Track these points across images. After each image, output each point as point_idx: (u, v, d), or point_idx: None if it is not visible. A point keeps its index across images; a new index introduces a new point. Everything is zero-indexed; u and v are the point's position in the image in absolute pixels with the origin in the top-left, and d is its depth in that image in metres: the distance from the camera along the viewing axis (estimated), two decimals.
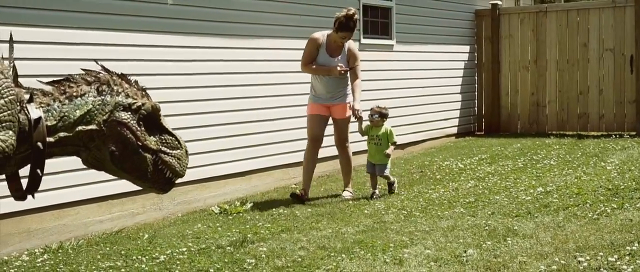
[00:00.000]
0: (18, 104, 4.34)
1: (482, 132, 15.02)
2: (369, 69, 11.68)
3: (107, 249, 6.62)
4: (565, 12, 14.41)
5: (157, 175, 4.86)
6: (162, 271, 5.77)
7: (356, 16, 8.48)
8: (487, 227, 6.67)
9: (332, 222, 7.48)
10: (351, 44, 8.72)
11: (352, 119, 8.70)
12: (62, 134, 4.52)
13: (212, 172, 8.95)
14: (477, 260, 5.60)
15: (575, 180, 8.95)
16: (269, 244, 6.54)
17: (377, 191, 8.67)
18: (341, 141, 8.92)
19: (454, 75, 14.37)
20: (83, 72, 4.79)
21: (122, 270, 5.82)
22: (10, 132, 4.17)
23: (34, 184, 4.58)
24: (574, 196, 7.93)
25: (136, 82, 5.00)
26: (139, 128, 4.80)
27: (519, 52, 14.76)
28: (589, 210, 7.17)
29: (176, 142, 5.02)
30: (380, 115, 8.67)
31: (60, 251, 6.65)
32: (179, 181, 8.05)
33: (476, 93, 15.08)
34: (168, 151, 4.92)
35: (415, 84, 12.97)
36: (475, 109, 15.08)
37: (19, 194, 4.63)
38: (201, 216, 8.20)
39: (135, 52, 7.97)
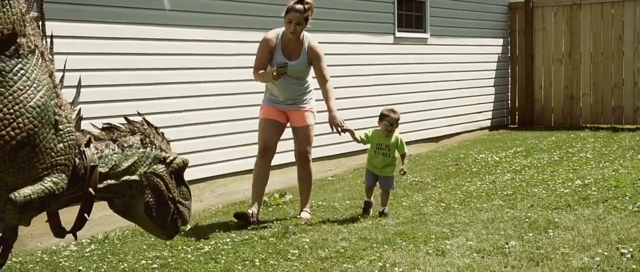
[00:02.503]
0: (77, 148, 4.47)
1: (516, 125, 15.02)
2: (403, 62, 11.75)
3: (152, 239, 6.72)
4: (600, 5, 14.36)
5: (171, 224, 5.12)
6: (208, 261, 5.86)
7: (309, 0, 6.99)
8: (527, 220, 6.71)
9: (371, 214, 7.54)
10: (312, 41, 7.26)
11: (340, 133, 7.32)
12: (110, 182, 4.71)
13: (251, 164, 9.02)
14: (520, 251, 5.65)
15: (613, 173, 8.95)
16: (311, 235, 6.61)
17: (372, 200, 7.48)
18: (302, 153, 7.47)
19: (488, 68, 14.39)
20: (126, 122, 4.99)
21: (169, 260, 5.92)
22: (64, 175, 4.31)
23: (80, 226, 4.76)
24: (613, 188, 7.94)
25: (163, 134, 5.22)
26: (170, 181, 5.03)
27: (552, 45, 14.74)
28: (628, 202, 7.19)
29: (188, 193, 5.26)
30: (394, 123, 7.36)
31: (106, 241, 6.78)
32: (219, 172, 8.22)
33: (509, 86, 15.09)
34: (183, 201, 5.19)
35: (449, 77, 13.00)
36: (509, 102, 15.09)
37: (58, 230, 4.80)
38: (241, 207, 8.28)
39: (164, 47, 8.09)
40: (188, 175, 7.99)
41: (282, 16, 6.99)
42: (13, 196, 4.07)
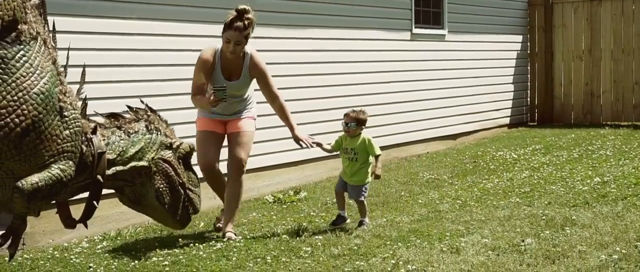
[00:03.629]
0: (84, 135, 4.42)
1: (535, 123, 14.87)
2: (421, 59, 11.65)
3: (164, 236, 6.68)
4: (620, 1, 14.18)
5: (183, 211, 5.09)
6: (220, 258, 5.80)
7: (250, 15, 6.17)
8: (544, 217, 6.60)
9: (386, 211, 7.47)
10: (254, 56, 6.42)
11: (311, 146, 6.75)
12: (119, 168, 4.66)
13: (266, 161, 8.99)
14: (536, 249, 5.54)
15: (633, 170, 8.81)
16: (324, 232, 6.54)
17: (345, 214, 6.75)
18: (236, 162, 6.44)
19: (507, 65, 14.25)
20: (130, 110, 4.93)
21: (180, 257, 5.86)
22: (71, 163, 4.25)
23: (89, 214, 4.70)
24: (632, 186, 7.82)
25: (166, 120, 5.16)
26: (179, 166, 4.97)
27: (572, 42, 14.57)
28: None
29: (197, 181, 5.20)
30: (357, 123, 6.61)
31: (118, 238, 6.73)
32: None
33: (529, 83, 14.94)
34: (193, 188, 5.13)
35: (467, 74, 12.88)
36: (528, 99, 14.93)
37: (68, 222, 4.74)
38: (255, 204, 8.24)
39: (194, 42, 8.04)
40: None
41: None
42: (20, 184, 4.02)
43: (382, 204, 7.81)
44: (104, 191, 6.78)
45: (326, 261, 5.62)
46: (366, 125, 6.70)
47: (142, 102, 5.01)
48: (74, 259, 5.95)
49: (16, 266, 5.78)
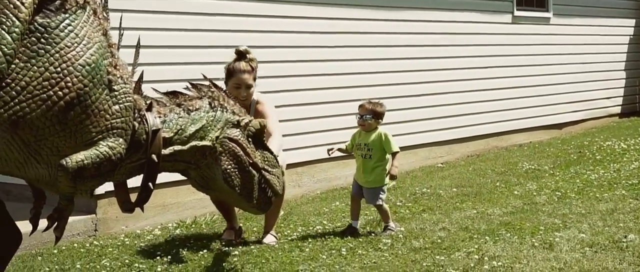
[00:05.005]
0: (136, 112, 4.12)
1: None
2: (522, 43, 11.04)
3: (241, 225, 6.39)
4: None
5: (260, 194, 4.62)
6: (293, 248, 5.47)
7: (250, 54, 5.67)
8: None
9: (478, 202, 6.99)
10: (260, 99, 5.78)
11: (331, 154, 6.07)
12: (177, 148, 4.28)
13: None
14: (639, 246, 4.99)
15: None
16: (408, 224, 6.13)
17: (357, 225, 5.96)
18: None
19: (618, 50, 13.40)
20: (192, 87, 4.58)
21: (252, 246, 5.56)
22: (121, 140, 3.94)
23: (145, 197, 4.36)
24: None
25: (236, 98, 4.75)
26: (248, 145, 4.57)
27: None
28: None
29: (275, 161, 4.77)
30: (374, 116, 5.88)
31: (193, 225, 6.49)
32: (318, 157, 7.80)
33: None
34: (269, 169, 4.69)
35: (573, 60, 12.15)
36: None
37: (127, 205, 4.42)
38: (340, 193, 7.88)
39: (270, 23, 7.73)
40: (287, 158, 7.73)
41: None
42: (65, 162, 3.74)
43: (474, 195, 7.32)
44: (179, 177, 6.57)
45: (405, 254, 5.20)
46: (383, 119, 5.95)
47: (205, 77, 4.66)
48: (143, 246, 5.73)
49: (84, 253, 5.59)
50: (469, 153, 10.15)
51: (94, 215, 6.26)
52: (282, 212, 6.84)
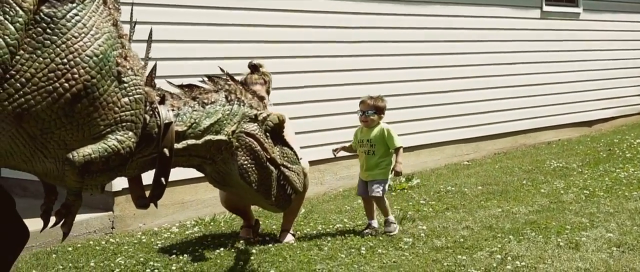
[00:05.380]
0: (148, 104, 4.00)
1: None
2: (551, 39, 10.82)
3: (257, 219, 6.27)
4: None
5: (279, 191, 4.47)
6: (312, 247, 5.35)
7: (263, 68, 5.63)
8: None
9: (504, 201, 6.82)
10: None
11: (336, 154, 6.08)
12: (190, 142, 4.15)
13: None
14: None
15: None
16: (431, 222, 5.98)
17: (375, 223, 5.78)
18: None
19: None
20: (208, 80, 4.45)
21: (270, 244, 5.44)
22: (131, 133, 3.81)
23: (158, 193, 4.23)
24: None
25: (255, 92, 4.62)
26: (266, 140, 4.42)
27: None
28: None
29: (295, 157, 4.61)
30: (376, 111, 5.79)
31: (212, 223, 6.38)
32: (342, 154, 7.65)
33: None
34: (289, 165, 4.52)
35: (604, 56, 11.90)
36: None
37: (140, 202, 4.29)
38: None
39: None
40: (309, 156, 7.59)
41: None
42: (71, 156, 3.63)
43: (500, 193, 7.15)
44: (198, 173, 6.47)
45: (426, 253, 5.06)
46: (384, 114, 5.81)
47: (222, 70, 4.53)
48: (160, 244, 5.63)
49: (99, 250, 5.51)
50: (496, 151, 9.97)
51: (111, 212, 6.17)
52: (302, 210, 6.73)
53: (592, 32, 11.60)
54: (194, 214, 6.65)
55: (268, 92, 5.62)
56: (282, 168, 4.49)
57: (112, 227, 6.15)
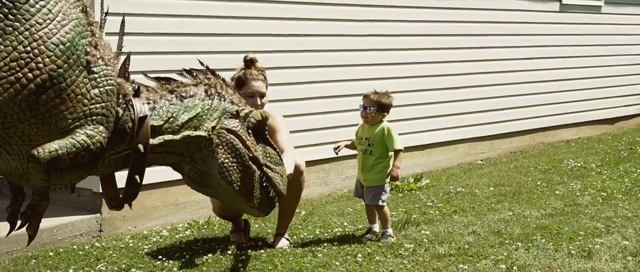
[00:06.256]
0: (121, 97, 3.73)
1: None
2: (571, 33, 10.41)
3: (257, 226, 5.96)
4: None
5: (262, 193, 4.19)
6: (306, 253, 5.02)
7: (258, 63, 5.19)
8: None
9: (515, 203, 6.46)
10: (271, 114, 4.73)
11: (338, 152, 5.59)
12: (167, 138, 3.86)
13: None
14: None
15: None
16: (436, 226, 5.63)
17: (377, 228, 5.39)
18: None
19: None
20: (186, 73, 4.16)
21: (261, 250, 5.12)
22: (101, 128, 3.53)
23: (132, 193, 3.93)
24: None
25: (235, 88, 4.33)
26: (248, 138, 4.14)
27: None
28: None
29: (278, 158, 4.32)
30: (378, 108, 5.29)
31: (205, 226, 6.08)
32: (348, 153, 7.31)
33: None
34: (272, 166, 4.23)
35: (627, 51, 11.49)
36: None
37: (114, 202, 4.01)
38: None
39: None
40: (313, 155, 7.28)
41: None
42: (36, 152, 3.35)
43: (512, 195, 6.79)
44: None
45: (427, 261, 4.72)
46: (389, 112, 5.36)
47: (201, 64, 4.24)
48: (147, 249, 5.33)
49: (82, 256, 5.22)
50: (511, 149, 9.59)
51: (99, 214, 5.88)
52: (303, 212, 6.41)
53: (614, 26, 11.18)
54: (188, 217, 6.35)
55: (266, 88, 5.30)
56: (265, 169, 4.21)
57: (100, 230, 5.86)
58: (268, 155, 4.28)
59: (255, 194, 4.17)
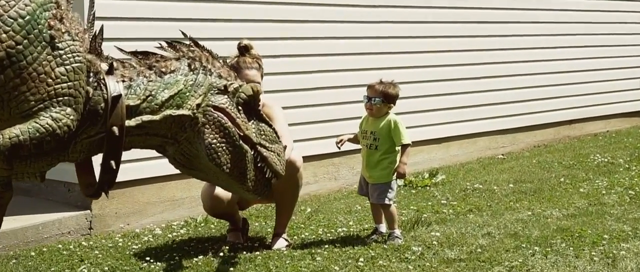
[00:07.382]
0: (93, 75, 3.39)
1: None
2: (599, 21, 9.94)
3: (257, 225, 5.59)
4: None
5: (257, 175, 3.86)
6: (305, 256, 4.64)
7: (254, 50, 4.82)
8: None
9: (536, 202, 6.04)
10: (266, 102, 4.74)
11: (340, 147, 5.17)
12: (145, 118, 3.51)
13: None
14: None
15: None
16: (448, 227, 5.23)
17: (383, 228, 5.01)
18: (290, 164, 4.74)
19: None
20: (168, 46, 3.80)
21: (257, 252, 4.74)
22: (69, 110, 3.20)
23: (107, 179, 3.59)
24: None
25: (225, 61, 3.96)
26: (238, 115, 3.78)
27: None
28: None
29: (274, 135, 3.94)
30: (384, 99, 4.88)
31: (202, 224, 5.71)
32: (357, 147, 6.91)
33: None
34: (267, 144, 3.87)
35: None
36: None
37: (89, 190, 3.67)
38: None
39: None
40: (322, 148, 6.90)
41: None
42: None
43: (533, 193, 6.36)
44: None
45: (434, 267, 4.33)
46: (395, 103, 4.95)
47: (184, 34, 3.87)
48: (135, 248, 4.99)
49: (66, 256, 4.87)
50: (535, 143, 9.14)
51: (89, 211, 5.52)
52: (308, 209, 6.05)
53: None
54: (185, 213, 5.99)
55: (262, 77, 4.91)
56: (259, 148, 3.85)
57: (90, 228, 5.51)
58: (262, 132, 3.93)
59: (249, 175, 3.86)
